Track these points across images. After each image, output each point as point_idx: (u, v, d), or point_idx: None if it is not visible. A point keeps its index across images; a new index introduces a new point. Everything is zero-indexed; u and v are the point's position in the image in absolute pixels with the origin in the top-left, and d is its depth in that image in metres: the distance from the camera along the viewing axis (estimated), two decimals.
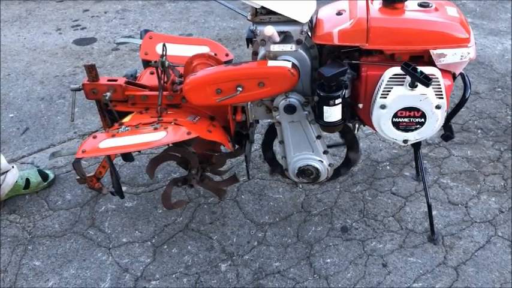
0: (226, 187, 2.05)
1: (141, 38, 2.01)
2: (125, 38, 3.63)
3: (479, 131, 2.50)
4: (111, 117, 1.82)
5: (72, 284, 1.81)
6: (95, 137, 1.57)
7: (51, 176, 2.26)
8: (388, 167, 2.29)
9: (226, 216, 2.07)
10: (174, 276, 1.82)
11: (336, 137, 2.33)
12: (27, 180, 2.17)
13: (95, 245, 1.96)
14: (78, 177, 1.97)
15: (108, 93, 1.71)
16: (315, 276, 1.81)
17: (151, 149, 2.39)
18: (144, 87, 1.79)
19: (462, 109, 1.78)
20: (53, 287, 1.80)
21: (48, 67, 3.30)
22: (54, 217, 2.09)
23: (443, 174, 2.23)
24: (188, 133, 1.54)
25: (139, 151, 2.11)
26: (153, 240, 1.97)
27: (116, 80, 1.74)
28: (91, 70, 1.72)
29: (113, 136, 1.55)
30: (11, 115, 2.79)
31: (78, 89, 1.77)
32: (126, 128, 1.59)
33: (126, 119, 1.71)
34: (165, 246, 1.94)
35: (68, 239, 1.99)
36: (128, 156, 1.98)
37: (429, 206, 1.85)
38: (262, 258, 1.88)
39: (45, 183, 2.22)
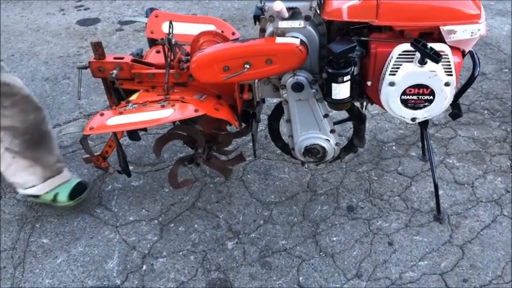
0: (232, 166, 2.06)
1: (146, 16, 2.00)
2: (131, 16, 3.61)
3: (485, 112, 2.49)
4: (117, 96, 1.81)
5: (81, 261, 1.82)
6: (102, 114, 1.56)
7: (84, 195, 2.02)
8: (394, 147, 2.28)
9: (232, 195, 2.07)
10: (181, 253, 1.84)
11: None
12: (56, 195, 1.99)
13: (102, 223, 1.97)
14: (84, 156, 1.98)
15: (115, 71, 1.70)
16: (321, 254, 1.82)
17: (157, 129, 2.39)
18: (150, 65, 1.78)
19: (469, 90, 1.77)
20: (62, 264, 1.82)
21: (52, 48, 3.28)
22: None
23: (450, 154, 2.23)
24: (196, 110, 1.54)
25: (145, 130, 2.11)
26: (160, 219, 1.98)
27: (122, 58, 1.73)
28: (97, 48, 1.70)
29: (120, 113, 1.55)
30: None
31: (85, 67, 1.76)
32: (134, 106, 1.59)
33: (133, 97, 1.70)
34: (172, 225, 1.95)
35: (75, 217, 2.00)
36: (134, 135, 1.98)
37: (436, 185, 1.85)
38: (269, 236, 1.89)
39: (72, 202, 1.99)
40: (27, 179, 1.93)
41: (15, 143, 1.84)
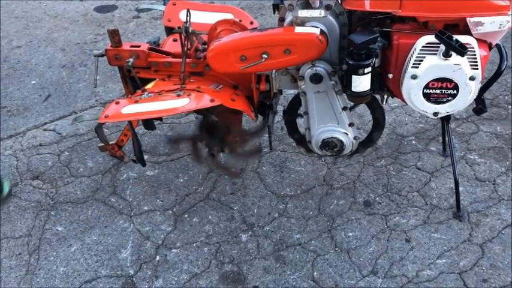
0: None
1: (164, 4, 1.97)
2: (148, 4, 3.58)
3: (509, 107, 2.41)
4: (133, 84, 1.79)
5: (95, 250, 1.82)
6: (117, 103, 1.55)
7: (6, 190, 2.03)
8: (413, 142, 2.23)
9: (247, 187, 2.05)
10: (194, 245, 1.82)
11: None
12: None
13: (116, 212, 1.97)
14: (99, 144, 1.97)
15: (131, 59, 1.68)
16: (336, 249, 1.79)
17: (172, 118, 2.37)
18: (167, 54, 1.76)
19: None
20: (76, 252, 1.82)
21: (69, 34, 3.28)
22: (76, 184, 2.10)
23: (471, 150, 2.17)
24: (211, 100, 1.51)
25: (160, 119, 2.10)
26: (174, 209, 1.97)
27: (139, 46, 1.71)
28: (114, 35, 1.69)
29: (136, 102, 1.53)
30: (33, 82, 2.80)
31: (101, 55, 1.74)
32: (149, 95, 1.57)
33: (149, 86, 1.69)
34: (186, 215, 1.94)
35: (89, 205, 2.00)
36: (149, 125, 1.96)
37: (456, 182, 1.80)
38: (283, 229, 1.87)
39: None
40: None
41: None
